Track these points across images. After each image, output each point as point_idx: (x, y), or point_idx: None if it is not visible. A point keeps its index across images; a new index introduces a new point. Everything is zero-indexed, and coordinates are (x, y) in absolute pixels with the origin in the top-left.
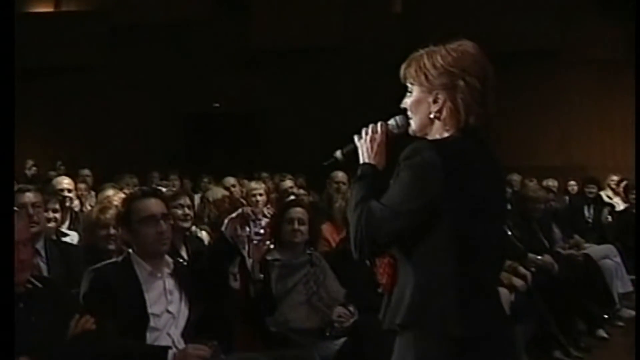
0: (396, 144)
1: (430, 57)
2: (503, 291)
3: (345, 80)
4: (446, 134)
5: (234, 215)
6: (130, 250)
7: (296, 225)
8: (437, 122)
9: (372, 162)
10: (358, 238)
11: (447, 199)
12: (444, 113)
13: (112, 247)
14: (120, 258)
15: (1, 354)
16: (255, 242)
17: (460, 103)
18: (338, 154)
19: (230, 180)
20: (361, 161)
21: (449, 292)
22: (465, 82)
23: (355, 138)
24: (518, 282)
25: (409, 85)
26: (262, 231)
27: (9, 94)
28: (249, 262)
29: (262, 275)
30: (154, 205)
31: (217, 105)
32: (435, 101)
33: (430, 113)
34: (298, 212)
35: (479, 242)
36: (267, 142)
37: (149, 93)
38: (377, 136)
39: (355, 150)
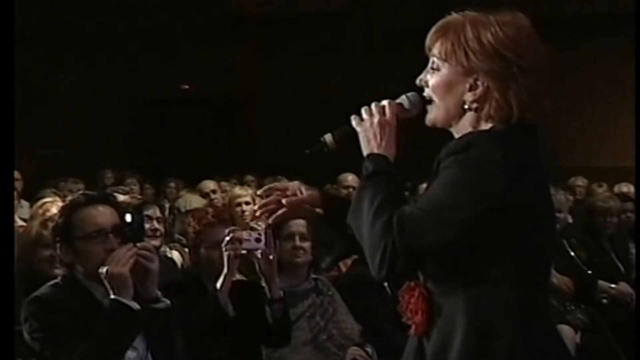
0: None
1: (477, 30)
2: (566, 330)
3: (351, 56)
4: (484, 127)
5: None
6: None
7: (297, 242)
8: (470, 113)
9: (382, 152)
10: (389, 253)
11: (508, 206)
12: (487, 105)
13: (58, 271)
14: (59, 279)
15: (1, 354)
16: (260, 255)
17: (512, 95)
18: (328, 137)
19: (210, 184)
20: (365, 151)
21: (513, 331)
22: (521, 70)
23: (354, 120)
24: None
25: (435, 59)
26: (260, 237)
27: (9, 93)
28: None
29: (281, 293)
30: (102, 215)
31: (186, 87)
32: (472, 88)
33: (464, 102)
34: (299, 225)
35: (539, 261)
36: (253, 135)
37: (95, 72)
38: (387, 119)
39: (351, 135)
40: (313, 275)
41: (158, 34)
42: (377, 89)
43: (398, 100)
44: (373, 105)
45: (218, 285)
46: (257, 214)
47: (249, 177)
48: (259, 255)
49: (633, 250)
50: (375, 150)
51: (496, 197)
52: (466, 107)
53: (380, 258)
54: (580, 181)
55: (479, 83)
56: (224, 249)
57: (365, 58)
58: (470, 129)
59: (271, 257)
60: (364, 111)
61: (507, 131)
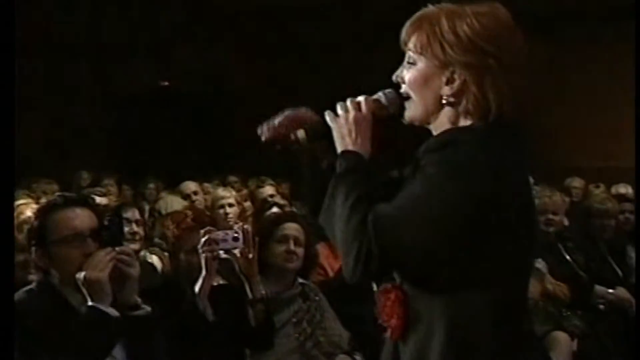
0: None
1: (452, 22)
2: (563, 337)
3: (343, 51)
4: (463, 123)
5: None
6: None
7: (292, 246)
8: (447, 108)
9: (356, 149)
10: (363, 253)
11: (487, 205)
12: (464, 100)
13: (32, 277)
14: (34, 284)
15: (1, 354)
16: (238, 254)
17: (490, 89)
18: (300, 133)
19: (191, 186)
20: (340, 148)
21: (494, 337)
22: (498, 62)
23: (328, 116)
24: (582, 325)
25: (411, 53)
26: (237, 235)
27: (9, 93)
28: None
29: (263, 292)
30: (80, 218)
31: (165, 84)
32: (450, 81)
33: (441, 97)
34: (294, 229)
35: (521, 265)
36: (236, 134)
37: (68, 68)
38: (362, 115)
39: (325, 131)
40: (300, 280)
41: (136, 29)
42: (363, 86)
43: (374, 97)
44: (348, 101)
45: (196, 288)
46: None
47: (232, 178)
48: (238, 255)
49: (632, 254)
50: (350, 147)
51: (476, 198)
52: (444, 101)
53: (354, 259)
54: (577, 182)
55: (455, 76)
56: (200, 251)
57: (351, 54)
58: (449, 126)
59: (250, 255)
60: (339, 107)
61: (487, 128)
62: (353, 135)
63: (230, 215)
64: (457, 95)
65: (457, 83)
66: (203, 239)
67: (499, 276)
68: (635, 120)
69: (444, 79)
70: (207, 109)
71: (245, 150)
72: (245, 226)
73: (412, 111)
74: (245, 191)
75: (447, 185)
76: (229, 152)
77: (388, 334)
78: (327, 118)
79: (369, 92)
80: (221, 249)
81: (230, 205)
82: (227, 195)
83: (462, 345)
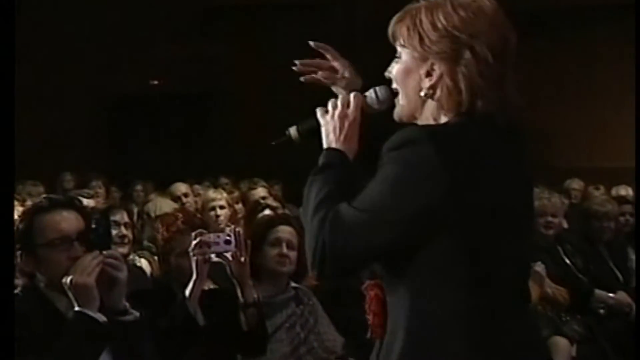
0: (374, 125)
1: (430, 13)
2: (562, 342)
3: (338, 46)
4: (444, 119)
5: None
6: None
7: (285, 250)
8: (429, 102)
9: (339, 147)
10: (318, 252)
11: (448, 206)
12: (439, 91)
13: (17, 281)
14: (19, 289)
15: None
16: (230, 258)
17: (462, 79)
18: (292, 130)
19: (182, 187)
20: (325, 145)
21: (455, 336)
22: (472, 53)
23: (318, 112)
24: (581, 330)
25: (398, 47)
26: (229, 238)
27: (9, 92)
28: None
29: (255, 296)
30: (66, 220)
31: (155, 82)
32: (429, 74)
33: (420, 90)
34: (287, 232)
35: (496, 264)
36: (227, 135)
37: (55, 67)
38: (349, 112)
39: (316, 128)
40: (293, 284)
41: (125, 25)
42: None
43: (366, 94)
44: (339, 98)
45: (187, 292)
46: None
47: (224, 180)
48: (230, 258)
49: (632, 257)
50: (333, 145)
51: (435, 197)
52: (422, 94)
53: (312, 255)
54: (576, 184)
55: (434, 69)
56: (191, 254)
57: (346, 52)
58: (431, 122)
59: (242, 259)
60: (329, 104)
61: (454, 126)
62: (337, 132)
63: (222, 218)
64: (435, 88)
65: (435, 75)
66: (194, 242)
67: (465, 277)
68: (635, 121)
69: (422, 72)
70: (197, 109)
71: (236, 151)
72: (238, 229)
73: (399, 107)
74: (236, 193)
75: (402, 185)
76: (220, 152)
77: (370, 331)
78: (318, 114)
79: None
80: (213, 252)
81: (222, 207)
82: (218, 197)
83: (421, 342)
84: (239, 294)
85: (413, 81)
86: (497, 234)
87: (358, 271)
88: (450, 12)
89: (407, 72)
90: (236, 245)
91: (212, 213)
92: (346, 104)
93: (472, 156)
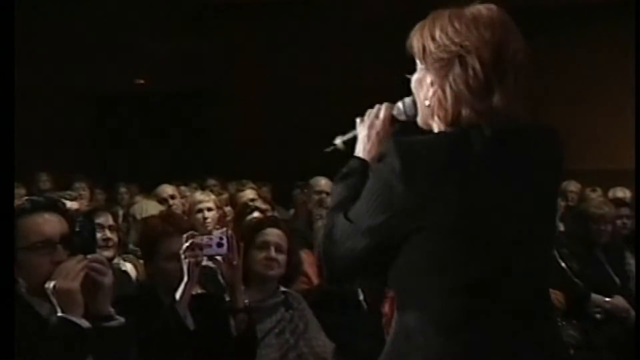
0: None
1: (433, 25)
2: None
3: (324, 48)
4: (443, 129)
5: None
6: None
7: (272, 253)
8: (435, 113)
9: (365, 155)
10: (321, 259)
11: (412, 217)
12: (433, 102)
13: None
14: None
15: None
16: (222, 260)
17: (449, 91)
18: (338, 141)
19: (168, 189)
20: (355, 153)
21: (431, 345)
22: (461, 63)
23: (358, 122)
24: (578, 335)
25: (415, 58)
26: (221, 241)
27: (9, 92)
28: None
29: (246, 301)
30: (49, 223)
31: (140, 82)
32: (431, 84)
33: (425, 99)
34: (275, 234)
35: (476, 274)
36: (215, 135)
37: (36, 66)
38: (377, 122)
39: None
40: (282, 289)
41: (109, 22)
42: (351, 84)
43: (396, 105)
44: (376, 108)
45: (177, 295)
46: None
47: (211, 181)
48: (222, 261)
49: (630, 261)
50: (360, 153)
51: (400, 208)
52: (426, 103)
53: (321, 262)
54: (573, 186)
55: (433, 80)
56: (183, 256)
57: (339, 51)
58: (436, 131)
59: (235, 262)
60: (366, 113)
61: (433, 137)
62: (365, 141)
63: (209, 220)
64: (432, 98)
65: (434, 86)
66: (186, 244)
67: (440, 285)
68: (635, 122)
69: (428, 82)
70: (183, 108)
71: (224, 152)
72: (230, 231)
73: (418, 116)
74: (225, 195)
75: (370, 196)
76: (207, 153)
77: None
78: (358, 124)
79: (347, 94)
80: (205, 255)
81: (209, 209)
82: (206, 199)
83: (401, 348)
84: (230, 299)
85: (422, 91)
86: (477, 243)
87: (353, 277)
88: (446, 23)
89: (418, 82)
90: (229, 248)
91: (200, 215)
92: (376, 115)
93: (441, 167)
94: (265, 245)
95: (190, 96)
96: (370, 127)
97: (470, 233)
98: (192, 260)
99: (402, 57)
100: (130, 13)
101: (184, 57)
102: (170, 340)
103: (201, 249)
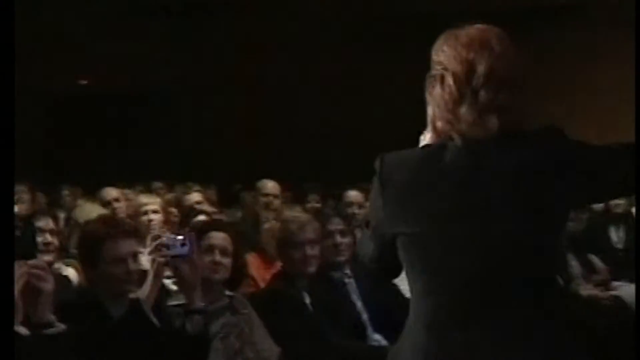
0: None
1: (434, 46)
2: None
3: (269, 47)
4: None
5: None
6: None
7: (217, 257)
8: None
9: None
10: None
11: (387, 221)
12: (428, 118)
13: None
14: None
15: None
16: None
17: (430, 107)
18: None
19: (112, 192)
20: None
21: (416, 341)
22: (441, 81)
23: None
24: None
25: None
26: (184, 241)
27: (9, 93)
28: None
29: (202, 303)
30: None
31: (84, 82)
32: (427, 102)
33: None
34: (220, 238)
35: (452, 274)
36: (160, 137)
37: None
38: (423, 138)
39: None
40: (228, 292)
41: (53, 23)
42: (298, 85)
43: None
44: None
45: (142, 294)
46: None
47: (157, 184)
48: (184, 262)
49: (573, 262)
50: None
51: (379, 214)
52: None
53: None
54: None
55: None
56: (148, 256)
57: (276, 55)
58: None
59: (196, 263)
60: None
61: (416, 149)
62: None
63: (154, 223)
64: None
65: (427, 104)
66: (154, 244)
67: (420, 285)
68: (634, 123)
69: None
70: (128, 109)
71: (170, 154)
72: (192, 233)
73: None
74: (171, 197)
75: (370, 207)
76: (152, 156)
77: None
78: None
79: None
80: (171, 254)
81: (155, 212)
82: (151, 201)
83: (396, 352)
84: (186, 300)
85: None
86: (451, 248)
87: (383, 274)
88: (439, 44)
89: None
90: (191, 249)
91: (145, 218)
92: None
93: (411, 178)
94: (210, 250)
95: (137, 97)
96: (421, 141)
97: (442, 238)
98: (161, 260)
99: None
100: (73, 14)
101: (129, 58)
102: (136, 339)
103: (168, 248)
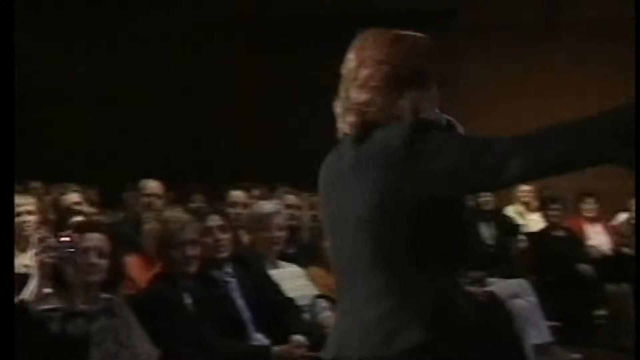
0: None
1: None
2: None
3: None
4: None
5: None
6: None
7: (93, 258)
8: None
9: None
10: None
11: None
12: None
13: None
14: None
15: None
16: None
17: None
18: None
19: None
20: None
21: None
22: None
23: None
24: None
25: None
26: (69, 242)
27: (9, 94)
28: None
29: (85, 306)
30: None
31: None
32: None
33: None
34: (95, 239)
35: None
36: (38, 135)
37: None
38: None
39: None
40: (105, 295)
41: None
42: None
43: None
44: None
45: (28, 295)
46: None
47: (35, 184)
48: (68, 263)
49: None
50: None
51: None
52: None
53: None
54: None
55: None
56: (35, 256)
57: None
58: None
59: (79, 265)
60: None
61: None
62: None
63: (29, 224)
64: None
65: None
66: (42, 245)
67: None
68: (635, 123)
69: None
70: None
71: (48, 153)
72: (77, 235)
73: None
74: (48, 198)
75: None
76: (29, 154)
77: None
78: None
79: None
80: (58, 256)
81: (30, 213)
82: (26, 202)
83: None
84: (69, 302)
85: None
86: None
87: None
88: None
89: None
90: (76, 250)
91: (19, 219)
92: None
93: (329, 171)
94: (85, 252)
95: (16, 96)
96: None
97: (329, 229)
98: (49, 260)
99: None
100: None
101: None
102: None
103: (55, 249)
